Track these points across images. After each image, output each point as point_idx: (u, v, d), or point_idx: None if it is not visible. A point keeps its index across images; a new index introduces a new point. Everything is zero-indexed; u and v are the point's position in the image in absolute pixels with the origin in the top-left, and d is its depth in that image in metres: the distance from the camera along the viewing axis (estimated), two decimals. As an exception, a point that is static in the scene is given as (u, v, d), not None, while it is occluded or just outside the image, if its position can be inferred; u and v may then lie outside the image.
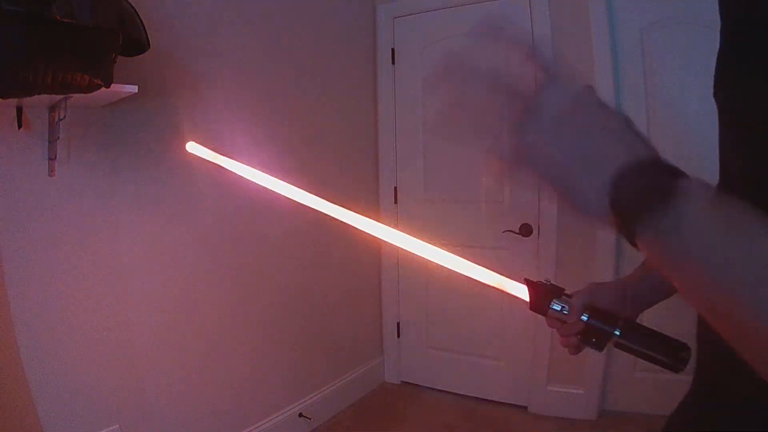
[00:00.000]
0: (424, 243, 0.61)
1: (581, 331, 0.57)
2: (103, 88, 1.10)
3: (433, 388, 2.58)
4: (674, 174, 0.31)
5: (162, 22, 1.53)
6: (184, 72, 1.65)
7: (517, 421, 2.26)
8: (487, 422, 2.26)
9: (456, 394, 2.50)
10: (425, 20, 2.48)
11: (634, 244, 0.33)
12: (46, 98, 1.11)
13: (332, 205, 0.66)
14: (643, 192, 0.31)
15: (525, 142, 0.36)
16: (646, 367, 0.55)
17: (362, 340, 2.58)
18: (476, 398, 2.45)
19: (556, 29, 2.17)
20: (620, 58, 2.09)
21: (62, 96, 1.14)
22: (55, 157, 1.29)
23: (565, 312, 0.57)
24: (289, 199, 0.71)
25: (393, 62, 2.58)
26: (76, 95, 1.10)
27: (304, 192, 0.69)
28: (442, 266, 0.60)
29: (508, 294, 0.58)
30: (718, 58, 0.44)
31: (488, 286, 0.58)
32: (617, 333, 0.54)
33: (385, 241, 0.63)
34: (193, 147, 0.92)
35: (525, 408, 2.34)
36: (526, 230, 2.26)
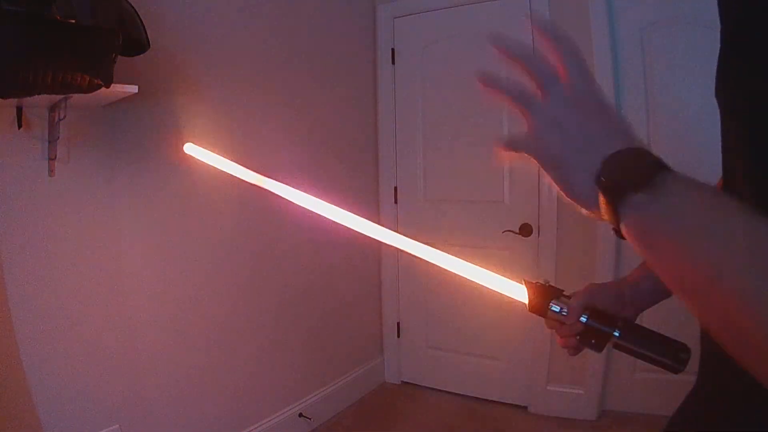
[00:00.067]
0: (423, 245, 0.61)
1: (580, 332, 0.57)
2: (103, 88, 1.10)
3: (433, 388, 2.58)
4: (658, 161, 0.34)
5: (162, 22, 1.53)
6: (184, 72, 1.65)
7: (517, 421, 2.26)
8: (487, 422, 2.26)
9: (456, 394, 2.51)
10: (425, 20, 2.48)
11: (619, 231, 0.36)
12: (46, 98, 1.11)
13: (332, 207, 0.66)
14: (627, 171, 0.34)
15: (529, 132, 0.41)
16: (646, 368, 0.55)
17: (362, 340, 2.59)
18: (476, 398, 2.45)
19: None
20: (620, 58, 2.09)
21: (62, 96, 1.14)
22: (55, 157, 1.29)
23: (564, 313, 0.57)
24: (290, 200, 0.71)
25: (393, 62, 2.58)
26: (76, 95, 1.10)
27: (304, 194, 0.69)
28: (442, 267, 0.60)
29: (507, 298, 0.58)
30: (719, 59, 0.44)
31: (487, 287, 0.58)
32: (617, 334, 0.54)
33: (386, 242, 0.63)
34: (190, 148, 0.92)
35: (525, 408, 2.34)
36: (526, 230, 2.26)
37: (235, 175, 0.80)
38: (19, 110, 1.23)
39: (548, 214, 2.21)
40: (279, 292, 2.04)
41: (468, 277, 0.59)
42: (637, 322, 0.59)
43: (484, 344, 2.44)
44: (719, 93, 0.45)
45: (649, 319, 0.70)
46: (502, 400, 2.40)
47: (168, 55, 1.57)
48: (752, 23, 0.39)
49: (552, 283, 0.59)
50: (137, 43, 1.22)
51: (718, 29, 0.43)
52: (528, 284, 0.58)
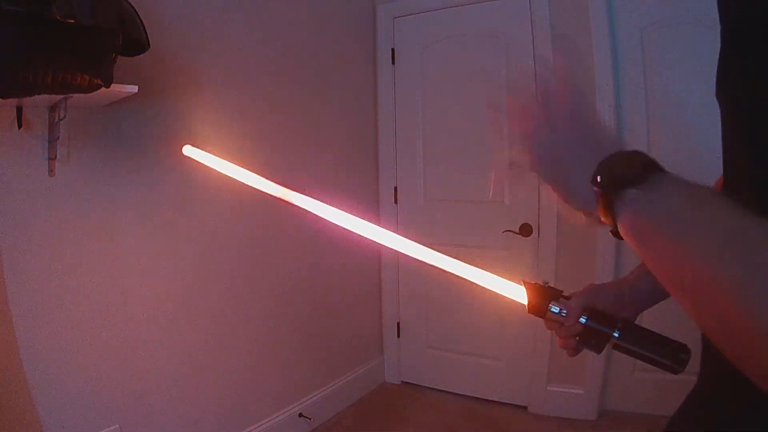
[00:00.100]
0: (423, 247, 0.61)
1: (580, 333, 0.56)
2: (103, 88, 1.10)
3: (433, 388, 2.58)
4: (652, 161, 0.36)
5: (162, 22, 1.53)
6: (184, 72, 1.65)
7: (517, 421, 2.26)
8: (487, 422, 2.26)
9: (456, 394, 2.51)
10: (425, 20, 2.48)
11: (616, 231, 0.38)
12: (46, 98, 1.11)
13: (331, 209, 0.66)
14: (622, 169, 0.37)
15: (532, 150, 0.44)
16: (646, 368, 0.55)
17: (362, 340, 2.59)
18: (476, 398, 2.45)
19: (556, 29, 2.17)
20: (620, 58, 2.09)
21: (62, 96, 1.14)
22: (55, 157, 1.29)
23: (563, 314, 0.56)
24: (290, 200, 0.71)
25: (393, 62, 2.58)
26: (76, 95, 1.10)
27: (304, 197, 0.69)
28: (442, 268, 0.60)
29: (507, 299, 0.58)
30: (719, 58, 0.44)
31: (487, 289, 0.59)
32: (616, 335, 0.54)
33: (385, 241, 0.63)
34: (189, 150, 0.92)
35: (525, 408, 2.34)
36: (526, 230, 2.26)
37: (233, 177, 0.80)
38: (19, 110, 1.23)
39: (548, 214, 2.21)
40: (279, 292, 2.04)
41: (467, 279, 0.59)
42: (637, 322, 0.59)
43: (484, 344, 2.44)
44: (720, 92, 0.45)
45: (649, 319, 0.71)
46: (502, 400, 2.40)
47: (168, 55, 1.57)
48: (752, 22, 0.39)
49: (551, 284, 0.59)
50: (137, 43, 1.22)
51: (718, 29, 0.43)
52: (527, 285, 0.58)
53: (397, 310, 2.66)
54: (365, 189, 2.58)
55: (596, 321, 0.56)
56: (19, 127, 1.23)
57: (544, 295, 0.57)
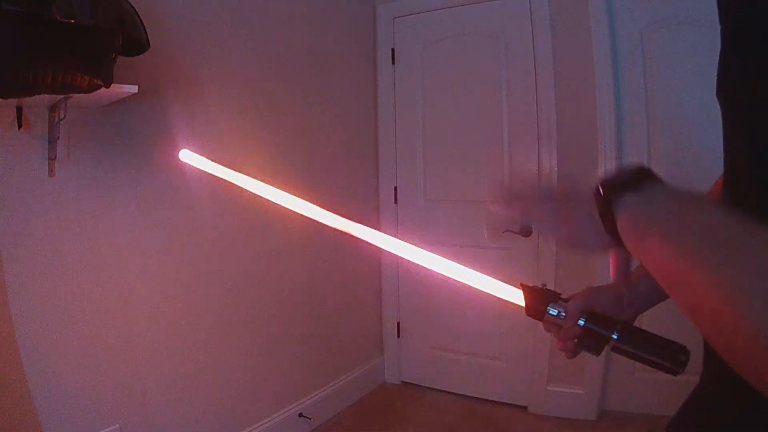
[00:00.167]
0: (422, 250, 0.61)
1: (578, 335, 0.56)
2: (103, 88, 1.10)
3: (433, 388, 2.58)
4: (648, 170, 0.40)
5: (162, 22, 1.53)
6: (184, 72, 1.65)
7: (517, 421, 2.26)
8: (487, 422, 2.26)
9: (456, 394, 2.50)
10: (425, 20, 2.48)
11: (617, 236, 0.41)
12: (46, 98, 1.11)
13: (330, 214, 0.66)
14: (621, 178, 0.40)
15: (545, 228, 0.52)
16: (646, 368, 0.54)
17: (362, 340, 2.59)
18: (476, 398, 2.45)
19: (556, 29, 2.17)
20: (620, 58, 2.09)
21: (62, 96, 1.14)
22: (55, 157, 1.29)
23: (561, 317, 0.56)
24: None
25: (393, 62, 2.58)
26: (76, 95, 1.10)
27: (304, 201, 0.69)
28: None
29: (505, 301, 0.58)
30: (719, 58, 0.44)
31: (485, 292, 0.59)
32: (615, 337, 0.54)
33: (385, 242, 0.63)
34: (186, 155, 0.92)
35: (525, 408, 2.34)
36: (526, 230, 2.25)
37: (231, 181, 0.80)
38: (19, 110, 1.23)
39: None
40: (279, 292, 2.04)
41: (466, 282, 0.59)
42: (637, 324, 0.59)
43: (484, 344, 2.44)
44: (720, 92, 0.45)
45: (649, 321, 0.70)
46: (502, 400, 2.40)
47: (168, 55, 1.57)
48: (752, 22, 0.39)
49: (550, 286, 0.58)
50: (137, 43, 1.22)
51: (718, 29, 0.43)
52: (525, 288, 0.58)
53: (397, 310, 2.66)
54: (365, 189, 2.58)
55: (595, 323, 0.55)
56: (19, 127, 1.23)
57: (541, 297, 0.57)
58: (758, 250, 0.28)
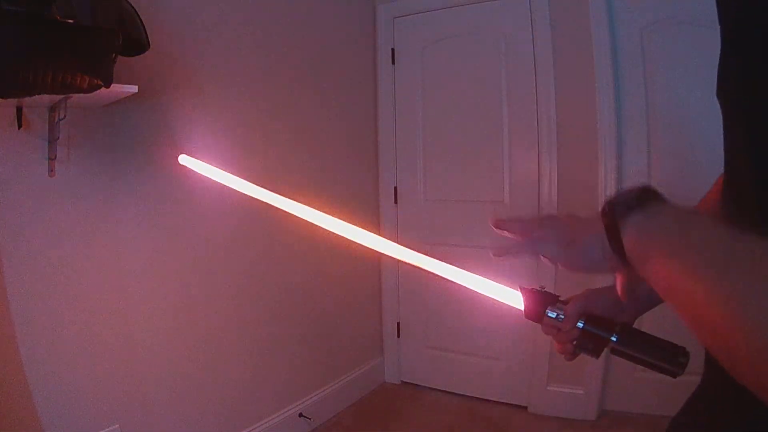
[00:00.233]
0: (418, 254, 0.61)
1: (577, 337, 0.56)
2: (103, 88, 1.10)
3: (433, 388, 2.58)
4: (653, 190, 0.41)
5: (162, 22, 1.53)
6: (184, 72, 1.65)
7: (517, 421, 2.26)
8: (487, 422, 2.26)
9: (456, 394, 2.50)
10: (425, 20, 2.48)
11: (622, 255, 0.42)
12: (46, 98, 1.11)
13: (329, 217, 0.66)
14: (626, 198, 0.42)
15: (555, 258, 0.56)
16: (646, 368, 0.54)
17: (362, 340, 2.58)
18: (476, 398, 2.45)
19: (556, 29, 2.17)
20: (620, 58, 2.09)
21: (62, 96, 1.14)
22: (55, 157, 1.29)
23: (560, 319, 0.56)
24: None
25: (393, 62, 2.58)
26: (76, 95, 1.10)
27: (303, 206, 0.69)
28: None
29: (504, 303, 0.58)
30: (719, 58, 0.44)
31: (484, 294, 0.59)
32: (614, 339, 0.54)
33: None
34: (185, 160, 0.92)
35: (525, 408, 2.34)
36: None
37: (230, 186, 0.80)
38: (19, 110, 1.23)
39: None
40: (279, 292, 2.04)
41: (464, 285, 0.59)
42: (636, 326, 0.59)
43: (484, 344, 2.44)
44: (720, 92, 0.45)
45: (649, 322, 0.70)
46: (502, 400, 2.40)
47: (168, 55, 1.57)
48: (752, 22, 0.39)
49: (549, 289, 0.58)
50: (137, 43, 1.22)
51: (718, 29, 0.43)
52: (524, 290, 0.57)
53: (397, 310, 2.66)
54: (365, 189, 2.58)
55: (594, 325, 0.55)
56: (19, 127, 1.23)
57: (540, 300, 0.57)
58: (757, 264, 0.29)
